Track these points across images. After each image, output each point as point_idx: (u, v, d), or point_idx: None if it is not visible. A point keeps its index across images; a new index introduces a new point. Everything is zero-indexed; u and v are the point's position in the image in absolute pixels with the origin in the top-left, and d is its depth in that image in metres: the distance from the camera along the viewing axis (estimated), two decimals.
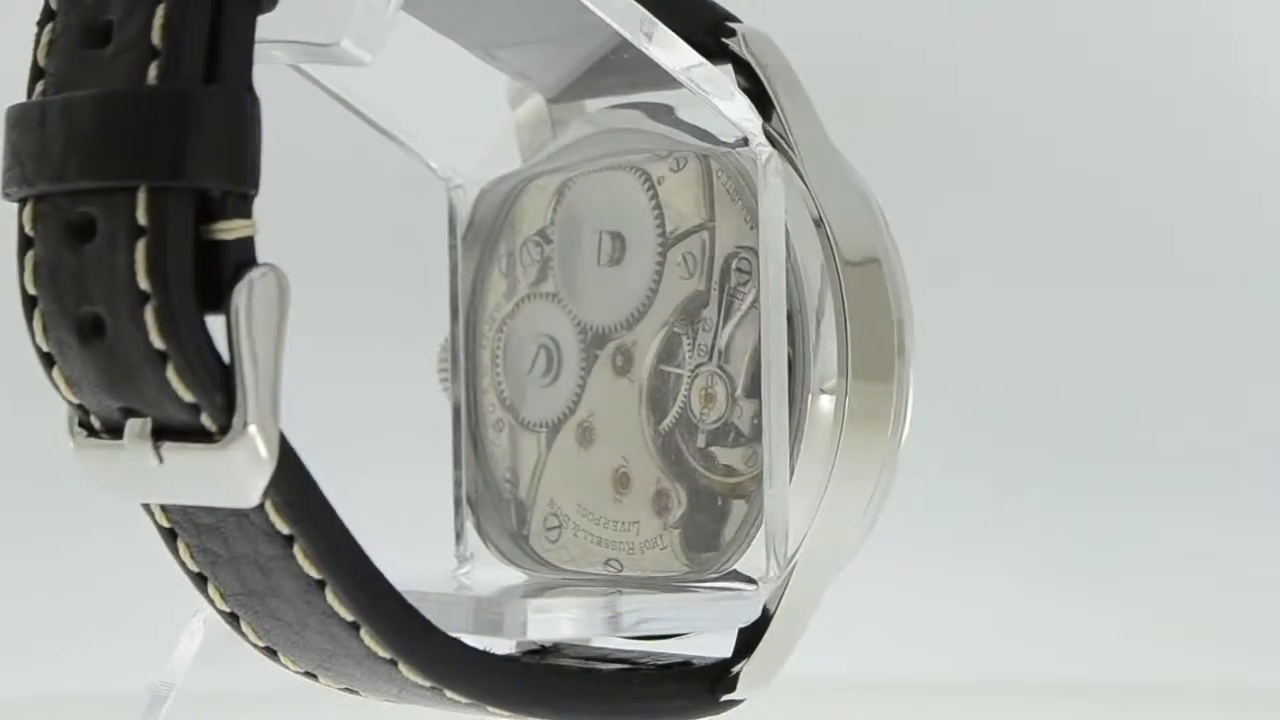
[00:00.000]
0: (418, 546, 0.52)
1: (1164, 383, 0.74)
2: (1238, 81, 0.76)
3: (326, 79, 0.47)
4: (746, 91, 0.45)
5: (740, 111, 0.44)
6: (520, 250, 0.50)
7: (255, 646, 0.43)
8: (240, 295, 0.36)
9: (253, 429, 0.36)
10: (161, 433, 0.37)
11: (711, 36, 0.45)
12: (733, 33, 0.46)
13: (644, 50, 0.43)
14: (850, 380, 0.44)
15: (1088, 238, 0.75)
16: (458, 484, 0.51)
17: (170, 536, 0.41)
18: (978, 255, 0.74)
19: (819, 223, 0.45)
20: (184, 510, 0.40)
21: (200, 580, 0.41)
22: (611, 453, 0.48)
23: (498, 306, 0.50)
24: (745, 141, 0.45)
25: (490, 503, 0.51)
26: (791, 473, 0.44)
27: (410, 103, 0.49)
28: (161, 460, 0.37)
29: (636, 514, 0.47)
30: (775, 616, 0.44)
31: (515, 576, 0.50)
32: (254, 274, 0.37)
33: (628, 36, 0.43)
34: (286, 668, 0.43)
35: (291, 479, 0.38)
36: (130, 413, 0.38)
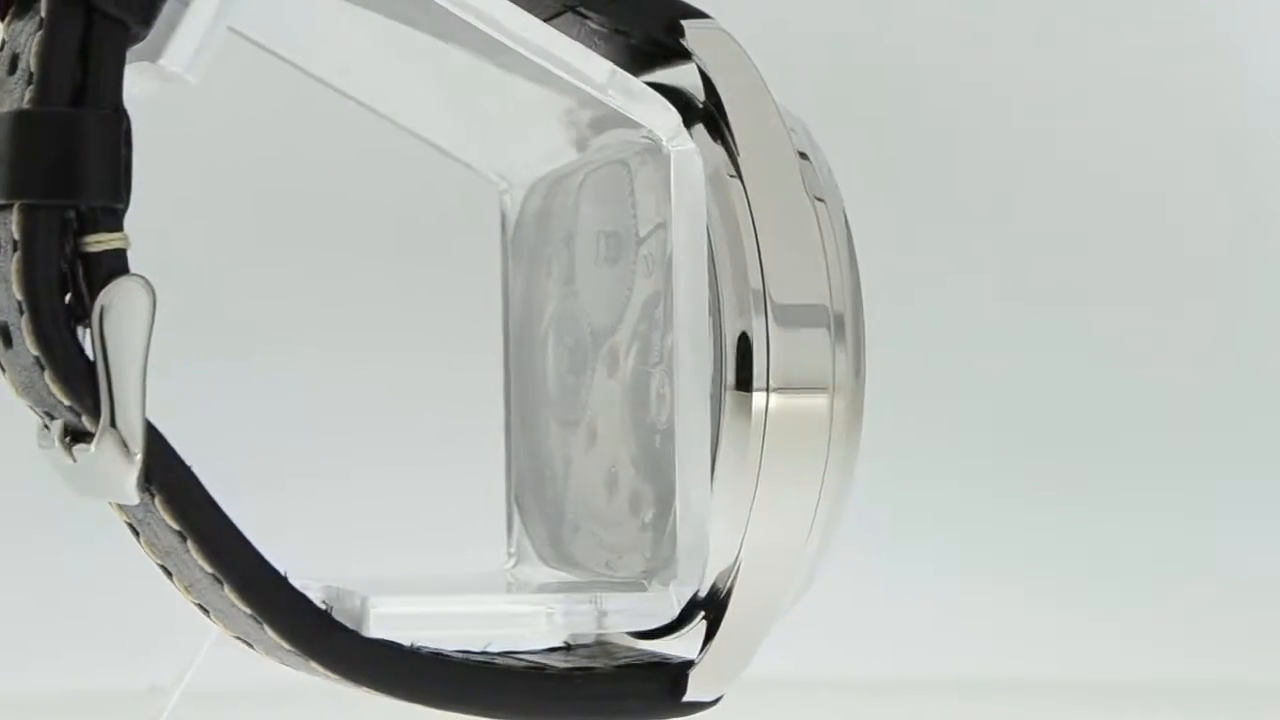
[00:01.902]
0: (481, 545, 0.53)
1: (1164, 384, 0.74)
2: (1250, 87, 0.76)
3: (365, 96, 0.48)
4: (706, 89, 0.45)
5: (650, 113, 0.44)
6: (557, 249, 0.50)
7: (233, 637, 0.44)
8: (100, 303, 0.39)
9: (114, 429, 0.39)
10: (72, 434, 0.41)
11: (670, 36, 0.45)
12: (684, 31, 0.45)
13: (539, 64, 0.44)
14: (772, 373, 0.44)
15: (1088, 242, 0.75)
16: (509, 483, 0.52)
17: (134, 532, 0.43)
18: (977, 257, 0.74)
19: (752, 220, 0.44)
20: (127, 505, 0.42)
21: (166, 573, 0.44)
22: (606, 454, 0.48)
23: (543, 306, 0.51)
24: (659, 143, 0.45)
25: (534, 503, 0.51)
26: (712, 470, 0.44)
27: (451, 112, 0.50)
28: (75, 460, 0.41)
29: (621, 515, 0.47)
30: (725, 617, 0.44)
31: (557, 575, 0.50)
32: (114, 283, 0.40)
33: (520, 51, 0.44)
34: (264, 657, 0.44)
35: (169, 476, 0.41)
36: (51, 415, 0.41)
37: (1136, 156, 0.75)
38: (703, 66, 0.45)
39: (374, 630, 0.43)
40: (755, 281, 0.44)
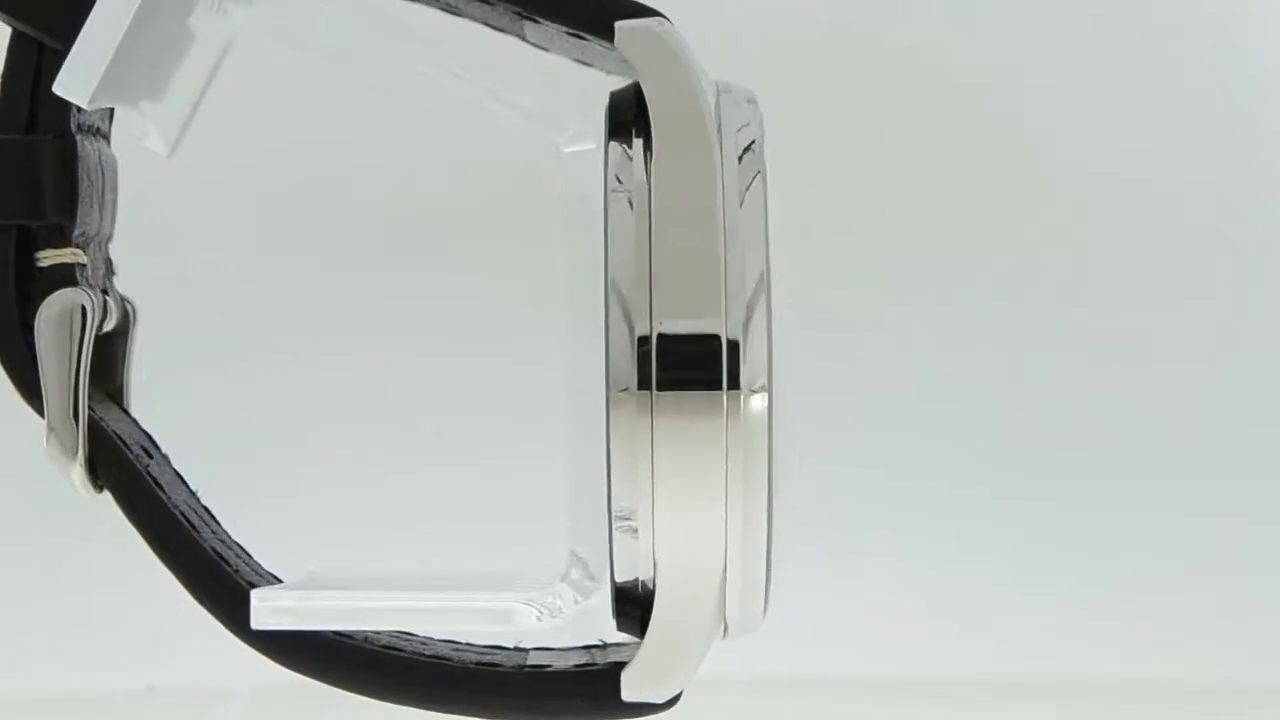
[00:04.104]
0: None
1: (1164, 384, 0.74)
2: (1254, 87, 0.76)
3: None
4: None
5: (559, 115, 0.45)
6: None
7: None
8: (41, 314, 0.44)
9: (55, 429, 0.44)
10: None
11: (607, 39, 0.45)
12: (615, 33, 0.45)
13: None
14: (658, 372, 0.43)
15: (1088, 242, 0.75)
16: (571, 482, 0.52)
17: None
18: (976, 257, 0.74)
19: (650, 223, 0.44)
20: None
21: None
22: (590, 457, 0.48)
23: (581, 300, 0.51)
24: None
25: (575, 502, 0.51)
26: (609, 467, 0.44)
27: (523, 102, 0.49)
28: None
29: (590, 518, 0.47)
30: (651, 619, 0.44)
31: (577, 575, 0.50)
32: (53, 295, 0.44)
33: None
34: None
35: (113, 475, 0.45)
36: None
37: (1136, 156, 0.75)
38: (633, 67, 0.44)
39: (255, 621, 0.45)
40: (644, 282, 0.43)
